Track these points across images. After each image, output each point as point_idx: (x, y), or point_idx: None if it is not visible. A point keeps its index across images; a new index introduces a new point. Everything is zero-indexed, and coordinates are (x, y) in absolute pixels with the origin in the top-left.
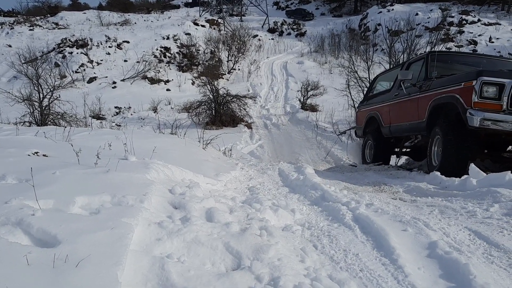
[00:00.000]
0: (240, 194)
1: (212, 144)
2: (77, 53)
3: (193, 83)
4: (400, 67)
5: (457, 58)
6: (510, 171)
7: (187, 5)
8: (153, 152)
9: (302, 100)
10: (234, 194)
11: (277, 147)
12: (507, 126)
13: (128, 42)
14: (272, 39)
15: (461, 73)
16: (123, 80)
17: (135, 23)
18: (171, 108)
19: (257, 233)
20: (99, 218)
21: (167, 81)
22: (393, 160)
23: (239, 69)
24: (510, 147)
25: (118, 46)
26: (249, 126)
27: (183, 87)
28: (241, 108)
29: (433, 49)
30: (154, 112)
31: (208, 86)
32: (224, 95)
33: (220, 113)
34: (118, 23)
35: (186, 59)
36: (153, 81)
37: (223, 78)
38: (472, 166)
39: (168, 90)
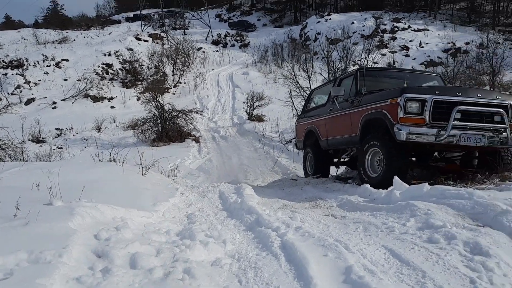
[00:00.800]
0: (177, 224)
1: (157, 164)
2: (12, 74)
3: (138, 99)
4: (333, 82)
5: (384, 73)
6: (427, 182)
7: (128, 20)
8: (82, 192)
9: (248, 111)
10: (170, 225)
11: (225, 160)
12: (429, 138)
13: (67, 60)
14: (217, 51)
15: (387, 90)
16: (63, 99)
17: (74, 40)
18: (116, 126)
19: (179, 277)
20: (12, 282)
21: (111, 98)
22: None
23: (185, 83)
24: (436, 153)
25: (57, 65)
26: (197, 140)
27: (128, 104)
28: (188, 123)
29: (368, 56)
30: (98, 132)
31: (152, 102)
32: (170, 110)
33: (167, 129)
34: (56, 41)
35: (129, 75)
36: (96, 99)
37: (169, 92)
38: (396, 178)
39: (112, 107)
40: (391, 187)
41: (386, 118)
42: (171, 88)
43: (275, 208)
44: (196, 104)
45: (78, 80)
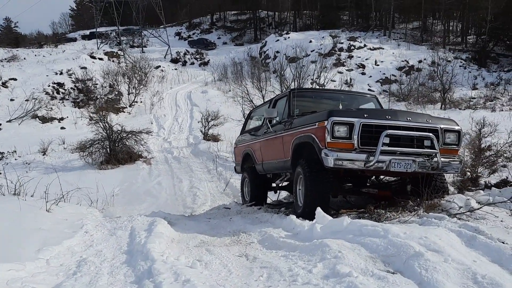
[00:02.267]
0: (57, 276)
1: (91, 191)
2: None
3: (91, 119)
4: (268, 103)
5: (319, 94)
6: (347, 215)
7: (84, 38)
8: None
9: (203, 130)
10: (45, 279)
11: (176, 182)
12: (358, 164)
13: (15, 79)
14: (176, 69)
15: (316, 113)
16: (9, 121)
17: (24, 58)
18: (64, 148)
19: None
20: None
21: (61, 118)
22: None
23: (141, 102)
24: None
25: (3, 84)
26: (148, 162)
27: (80, 124)
28: (139, 144)
29: (320, 74)
30: (43, 155)
31: (100, 123)
32: (119, 131)
33: (115, 151)
34: (5, 59)
35: (82, 94)
36: (45, 119)
37: (124, 112)
38: (318, 210)
39: (62, 128)
40: (314, 220)
41: (315, 142)
42: (126, 107)
43: (189, 247)
44: (152, 123)
45: (26, 100)
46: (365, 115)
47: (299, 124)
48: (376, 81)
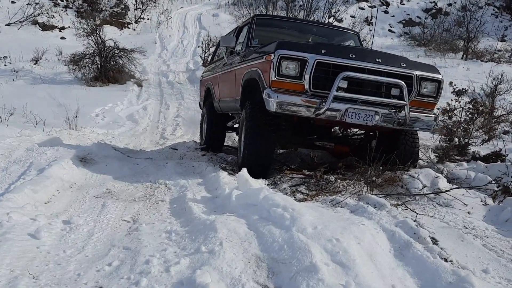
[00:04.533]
0: None
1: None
2: None
3: (83, 31)
4: (234, 31)
5: (286, 24)
6: (267, 185)
7: None
8: None
9: (203, 56)
10: None
11: (163, 109)
12: (307, 111)
13: None
14: None
15: (266, 44)
16: (8, 24)
17: None
18: (58, 59)
19: None
20: None
21: (62, 28)
22: None
23: (148, 19)
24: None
25: None
26: (139, 83)
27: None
28: (132, 63)
29: (340, 8)
30: (35, 64)
31: (92, 36)
32: (111, 47)
33: (106, 68)
34: None
35: (86, 4)
36: (45, 27)
37: (128, 28)
38: (242, 172)
39: (63, 38)
40: (236, 184)
41: (260, 80)
42: (131, 23)
43: (85, 198)
44: (156, 43)
45: (28, 4)
46: (323, 51)
47: (250, 56)
48: (399, 22)
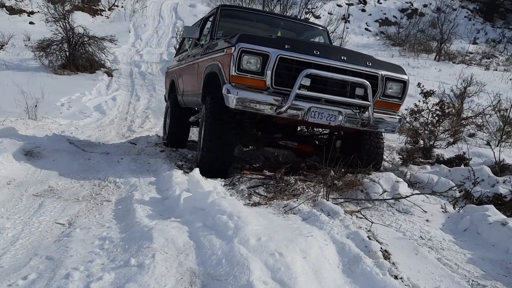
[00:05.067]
0: None
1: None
2: None
3: (50, 17)
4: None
5: (253, 16)
6: (224, 186)
7: None
8: None
9: (177, 47)
10: None
11: (133, 100)
12: (268, 109)
13: None
14: None
15: (229, 36)
16: None
17: None
18: (25, 45)
19: None
20: None
21: (32, 12)
22: None
23: (122, 7)
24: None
25: None
26: (109, 73)
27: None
28: (102, 52)
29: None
30: (0, 49)
31: (60, 22)
32: (80, 34)
33: (75, 56)
34: None
35: None
36: (13, 11)
37: (101, 15)
38: (193, 173)
39: (31, 23)
40: (187, 186)
41: (221, 74)
42: (105, 10)
43: (22, 196)
44: (130, 32)
45: None
46: (286, 46)
47: (212, 49)
48: (375, 21)
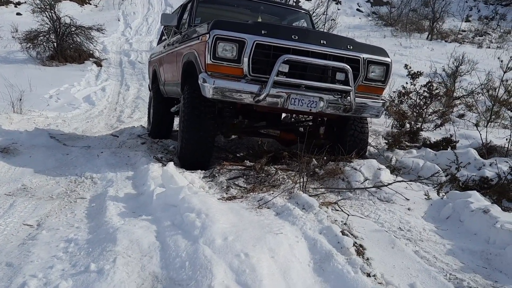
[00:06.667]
0: None
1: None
2: None
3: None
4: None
5: (232, 2)
6: (203, 178)
7: None
8: None
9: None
10: None
11: (122, 90)
12: (247, 98)
13: None
14: None
15: (204, 23)
16: None
17: None
18: (13, 37)
19: None
20: None
21: (18, 3)
22: None
23: None
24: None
25: None
26: (98, 63)
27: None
28: (90, 42)
29: None
30: None
31: (46, 12)
32: (67, 24)
33: (63, 47)
34: None
35: None
36: None
37: (90, 4)
38: (167, 167)
39: (19, 14)
40: (160, 181)
41: (197, 62)
42: None
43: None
44: (119, 20)
45: None
46: (263, 32)
47: (189, 37)
48: (367, 1)
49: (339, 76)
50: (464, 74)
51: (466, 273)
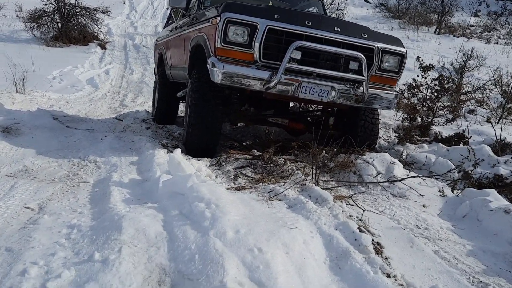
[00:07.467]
0: None
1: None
2: None
3: None
4: None
5: None
6: (210, 167)
7: None
8: None
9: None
10: None
11: (126, 73)
12: (256, 84)
13: None
14: None
15: (215, 5)
16: None
17: None
18: (17, 16)
19: None
20: None
21: None
22: None
23: None
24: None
25: None
26: (103, 45)
27: None
28: (95, 24)
29: None
30: None
31: None
32: (72, 5)
33: (68, 28)
34: None
35: None
36: None
37: None
38: (174, 154)
39: None
40: (167, 167)
41: (206, 46)
42: None
43: None
44: (124, 3)
45: None
46: (276, 16)
47: (199, 19)
48: None
49: (352, 65)
50: (472, 69)
51: (490, 276)
